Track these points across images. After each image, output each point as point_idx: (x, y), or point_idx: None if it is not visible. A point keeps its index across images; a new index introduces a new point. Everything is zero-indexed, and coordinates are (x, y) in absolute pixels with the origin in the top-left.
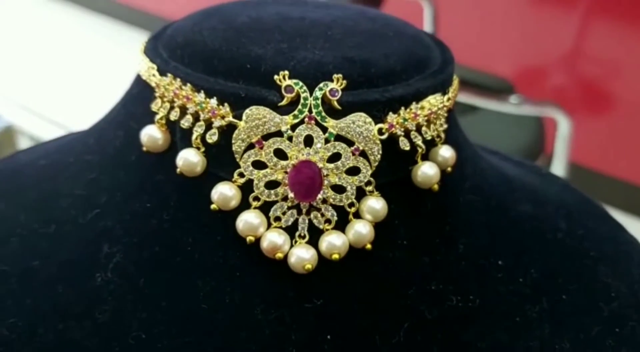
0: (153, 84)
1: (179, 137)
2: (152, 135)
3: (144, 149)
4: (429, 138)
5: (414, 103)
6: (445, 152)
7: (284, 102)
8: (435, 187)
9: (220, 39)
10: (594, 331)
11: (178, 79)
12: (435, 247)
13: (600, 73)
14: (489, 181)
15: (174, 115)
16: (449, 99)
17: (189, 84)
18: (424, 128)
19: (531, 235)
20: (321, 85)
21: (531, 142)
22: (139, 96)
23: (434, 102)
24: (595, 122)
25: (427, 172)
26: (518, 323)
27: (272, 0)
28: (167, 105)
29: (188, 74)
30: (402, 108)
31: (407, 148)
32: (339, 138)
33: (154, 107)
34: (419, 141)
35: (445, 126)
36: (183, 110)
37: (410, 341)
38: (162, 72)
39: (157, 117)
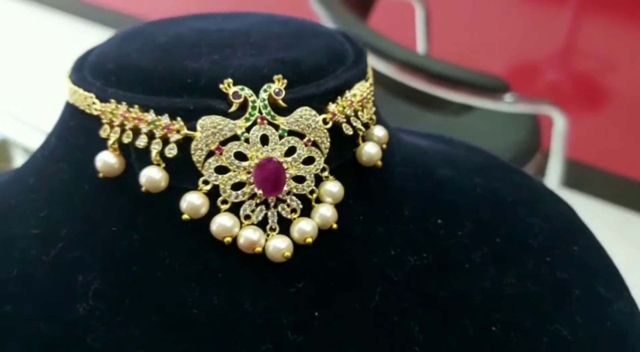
0: (96, 113)
1: (134, 158)
2: (106, 161)
3: (100, 175)
4: (365, 121)
5: (347, 92)
6: (379, 132)
7: (233, 108)
8: (379, 163)
9: (151, 59)
10: (530, 264)
11: (124, 103)
12: (385, 217)
13: (594, 68)
14: (410, 152)
15: (126, 138)
16: (371, 85)
17: (136, 106)
18: (359, 113)
19: (456, 194)
20: (265, 87)
21: (527, 139)
22: (79, 127)
23: (363, 89)
24: (590, 118)
25: (369, 151)
26: (468, 270)
27: (180, 18)
28: (118, 129)
29: (131, 97)
30: (339, 97)
31: (350, 132)
32: (290, 133)
33: (103, 133)
34: (358, 124)
35: (374, 109)
36: (135, 132)
37: (385, 302)
38: (102, 100)
39: (109, 142)
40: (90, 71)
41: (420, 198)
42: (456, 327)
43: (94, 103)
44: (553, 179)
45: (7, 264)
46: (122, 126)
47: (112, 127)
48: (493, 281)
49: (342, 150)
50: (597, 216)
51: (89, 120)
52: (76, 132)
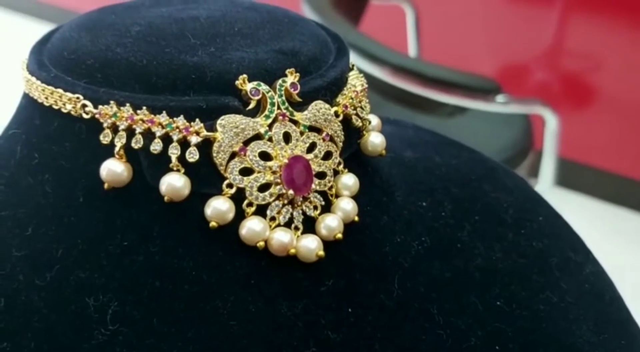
0: (87, 116)
1: (146, 165)
2: (113, 169)
3: (106, 186)
4: (368, 112)
5: (348, 82)
6: (374, 120)
7: (252, 105)
8: (383, 152)
9: (140, 53)
10: (509, 237)
11: (128, 105)
12: (385, 205)
13: (583, 67)
14: None
15: (136, 143)
16: (360, 73)
17: (144, 107)
18: (362, 103)
19: (426, 175)
20: (280, 81)
21: (520, 140)
22: (61, 132)
23: (361, 79)
24: (580, 116)
25: (374, 141)
26: (461, 249)
27: (134, 4)
28: (124, 134)
29: (131, 97)
30: (345, 89)
31: (360, 124)
32: (310, 129)
33: (104, 139)
34: (365, 115)
35: (367, 99)
36: (146, 136)
37: (404, 290)
38: (95, 101)
39: (116, 149)
40: (62, 68)
41: (402, 183)
42: (466, 306)
43: (84, 106)
44: (546, 178)
45: None
46: (128, 130)
47: (118, 131)
48: (484, 257)
49: (349, 142)
50: (590, 213)
51: (75, 124)
52: (57, 138)
